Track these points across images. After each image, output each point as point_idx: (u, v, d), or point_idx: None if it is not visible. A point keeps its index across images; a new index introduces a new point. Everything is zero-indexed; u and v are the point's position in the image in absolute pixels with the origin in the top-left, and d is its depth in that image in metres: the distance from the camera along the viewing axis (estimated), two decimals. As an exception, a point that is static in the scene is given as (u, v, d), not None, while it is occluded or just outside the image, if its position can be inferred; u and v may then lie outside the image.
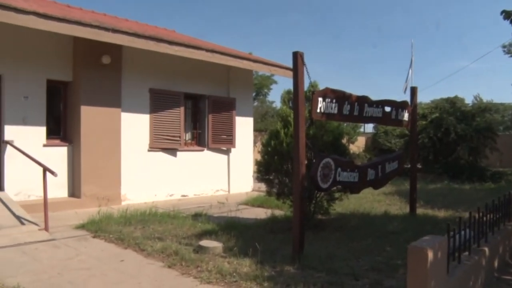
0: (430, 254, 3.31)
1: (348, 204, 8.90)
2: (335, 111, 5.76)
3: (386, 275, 4.71)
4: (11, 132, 8.53)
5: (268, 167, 7.24)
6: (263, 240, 5.96)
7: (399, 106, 7.54)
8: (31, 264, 5.17)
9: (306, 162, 5.49)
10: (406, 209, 8.67)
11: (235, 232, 6.34)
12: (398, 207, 9.50)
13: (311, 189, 6.16)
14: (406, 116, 7.82)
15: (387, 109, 7.18)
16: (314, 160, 5.94)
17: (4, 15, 7.24)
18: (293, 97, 5.38)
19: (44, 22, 7.72)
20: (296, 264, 4.92)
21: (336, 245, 5.98)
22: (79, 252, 5.70)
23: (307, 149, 5.52)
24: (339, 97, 5.82)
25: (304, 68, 5.29)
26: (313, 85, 5.91)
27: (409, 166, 9.49)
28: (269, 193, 7.62)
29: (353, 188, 6.35)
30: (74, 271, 4.92)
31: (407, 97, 8.67)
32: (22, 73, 8.68)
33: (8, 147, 8.43)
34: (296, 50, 5.25)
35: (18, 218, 7.10)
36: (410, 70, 22.33)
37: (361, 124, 23.58)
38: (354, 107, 6.14)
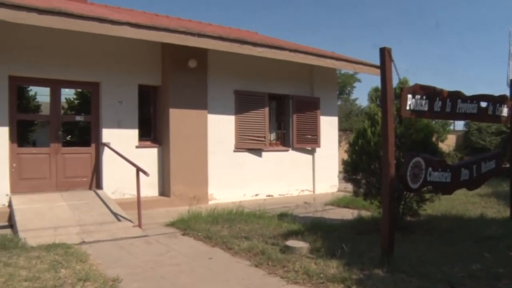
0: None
1: (439, 205, 8.43)
2: (426, 108, 5.47)
3: (486, 284, 4.32)
4: (107, 135, 9.13)
5: (355, 167, 7.07)
6: (350, 241, 5.79)
7: (496, 100, 6.99)
8: (127, 258, 5.47)
9: (395, 161, 5.26)
10: (506, 213, 8.00)
11: (321, 232, 6.24)
12: (496, 210, 8.82)
13: (400, 190, 5.91)
14: (505, 111, 7.22)
15: (483, 104, 6.67)
16: (403, 160, 5.69)
17: (101, 27, 7.79)
18: (381, 95, 5.19)
19: (136, 31, 8.17)
20: (386, 267, 4.72)
21: (427, 248, 5.66)
22: (170, 248, 5.93)
23: (395, 148, 5.30)
24: (430, 93, 5.52)
25: (392, 64, 5.08)
26: (402, 82, 5.69)
27: (508, 165, 8.76)
28: (356, 193, 7.44)
29: (445, 188, 5.97)
30: (166, 266, 5.12)
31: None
32: (117, 80, 9.26)
33: (106, 148, 9.03)
34: (384, 46, 5.06)
35: (115, 215, 7.56)
36: (510, 62, 20.71)
37: (451, 121, 22.29)
38: (446, 103, 5.79)
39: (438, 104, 5.65)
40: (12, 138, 8.31)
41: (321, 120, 12.14)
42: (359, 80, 32.26)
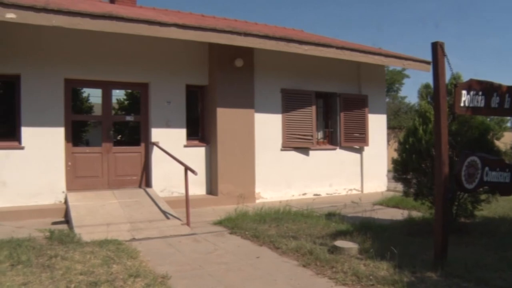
0: None
1: (496, 207, 8.01)
2: (482, 104, 5.22)
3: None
4: (156, 134, 9.33)
5: (405, 166, 6.86)
6: (401, 242, 5.63)
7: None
8: (175, 255, 5.56)
9: (448, 160, 5.06)
10: None
11: (370, 233, 6.10)
12: None
13: (454, 190, 5.68)
14: None
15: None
16: (457, 159, 5.47)
17: (150, 29, 7.97)
18: (434, 91, 4.99)
19: (183, 32, 8.29)
20: (439, 271, 4.54)
21: (484, 252, 5.40)
22: (218, 247, 5.97)
23: (449, 146, 5.10)
24: (486, 88, 5.26)
25: (445, 59, 4.88)
26: (455, 77, 5.44)
27: None
28: (406, 193, 7.23)
29: (504, 189, 5.67)
30: (213, 264, 5.16)
31: None
32: (165, 80, 9.45)
33: (155, 148, 9.23)
34: (436, 41, 4.87)
35: (164, 213, 7.72)
36: None
37: (507, 118, 21.28)
38: (504, 99, 5.49)
39: (495, 100, 5.38)
40: (67, 138, 8.67)
41: (369, 118, 11.90)
42: (407, 76, 31.42)
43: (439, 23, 60.81)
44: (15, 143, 8.20)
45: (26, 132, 8.20)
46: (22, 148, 8.17)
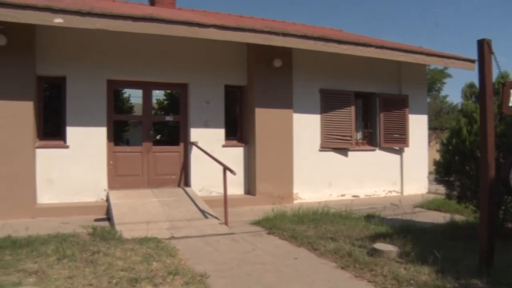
0: None
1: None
2: (531, 104, 5.00)
3: None
4: (195, 134, 9.44)
5: (448, 168, 6.67)
6: (443, 247, 5.46)
7: None
8: (214, 254, 5.60)
9: (494, 163, 4.88)
10: None
11: (411, 236, 5.96)
12: None
13: (500, 193, 5.47)
14: None
15: None
16: (503, 161, 5.26)
17: (189, 30, 8.07)
18: (479, 91, 4.82)
19: (222, 33, 8.35)
20: (485, 278, 4.36)
21: (534, 260, 5.18)
22: (255, 247, 5.98)
23: (495, 148, 4.91)
24: (536, 87, 5.04)
25: (492, 57, 4.71)
26: (503, 76, 5.26)
27: None
28: (448, 196, 7.02)
29: (554, 193, 5.43)
30: (251, 264, 5.16)
31: None
32: (204, 81, 9.54)
33: (193, 147, 9.34)
34: (482, 38, 4.71)
35: (202, 212, 7.80)
36: None
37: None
38: (555, 99, 5.25)
39: (546, 100, 5.15)
40: (109, 137, 8.90)
41: (410, 118, 11.62)
42: (449, 76, 30.51)
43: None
44: (61, 142, 8.51)
45: (71, 132, 8.49)
46: (67, 147, 8.45)
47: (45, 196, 8.26)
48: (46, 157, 8.29)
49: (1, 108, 7.70)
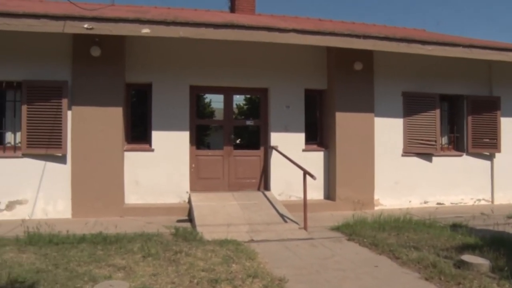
0: None
1: None
2: None
3: None
4: (275, 138, 9.50)
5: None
6: (542, 262, 5.04)
7: None
8: (292, 259, 5.59)
9: None
10: None
11: (504, 249, 5.53)
12: None
13: None
14: None
15: None
16: None
17: (269, 36, 8.21)
18: None
19: (301, 37, 8.36)
20: None
21: None
22: (335, 253, 5.88)
23: None
24: None
25: None
26: None
27: None
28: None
29: None
30: (330, 270, 5.08)
31: None
32: (284, 85, 9.59)
33: (273, 151, 9.40)
34: None
35: (282, 216, 7.81)
36: None
37: None
38: None
39: None
40: (191, 141, 9.22)
41: (502, 122, 10.81)
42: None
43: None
44: (147, 146, 8.97)
45: (156, 136, 8.92)
46: (152, 150, 8.88)
47: (132, 197, 8.74)
48: (133, 160, 8.78)
49: (97, 114, 8.32)
